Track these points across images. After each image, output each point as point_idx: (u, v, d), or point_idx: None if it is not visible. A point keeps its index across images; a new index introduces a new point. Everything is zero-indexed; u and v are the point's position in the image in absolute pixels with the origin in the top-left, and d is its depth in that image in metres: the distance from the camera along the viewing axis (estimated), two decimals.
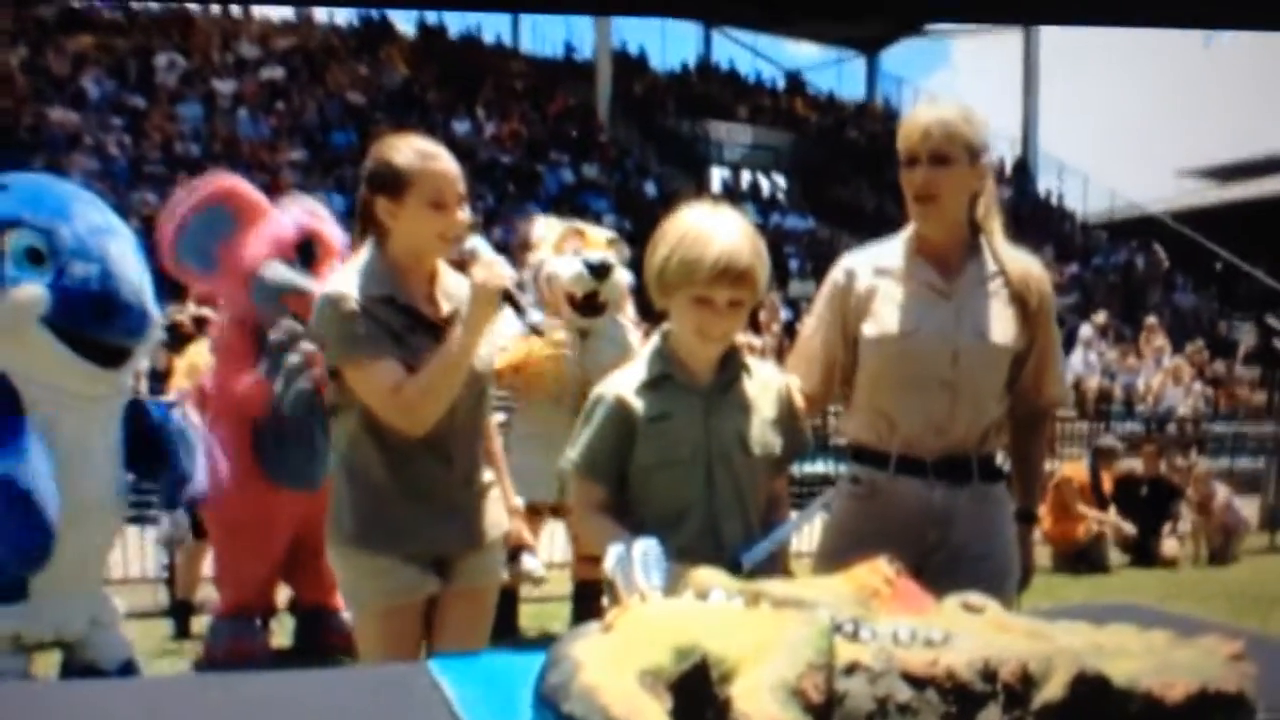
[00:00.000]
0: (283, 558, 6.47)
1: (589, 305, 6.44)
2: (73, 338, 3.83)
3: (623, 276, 6.55)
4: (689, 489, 2.92)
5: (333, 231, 6.35)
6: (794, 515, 3.22)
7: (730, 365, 3.01)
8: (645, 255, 2.95)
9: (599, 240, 6.71)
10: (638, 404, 2.91)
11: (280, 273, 5.98)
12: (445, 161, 3.35)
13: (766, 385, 3.09)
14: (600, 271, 6.40)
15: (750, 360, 3.11)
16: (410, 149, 3.34)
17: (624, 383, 2.97)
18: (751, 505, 3.02)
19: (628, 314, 6.87)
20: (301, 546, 6.33)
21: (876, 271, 3.49)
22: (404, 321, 3.30)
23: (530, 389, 6.33)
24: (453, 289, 3.48)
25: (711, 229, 2.82)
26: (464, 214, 3.36)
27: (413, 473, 3.37)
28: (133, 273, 4.00)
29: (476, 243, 3.33)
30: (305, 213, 6.39)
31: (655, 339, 3.06)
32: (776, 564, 3.02)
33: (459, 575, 3.53)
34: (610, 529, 2.82)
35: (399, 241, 3.37)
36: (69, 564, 3.92)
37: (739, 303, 2.85)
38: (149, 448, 4.34)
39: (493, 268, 3.22)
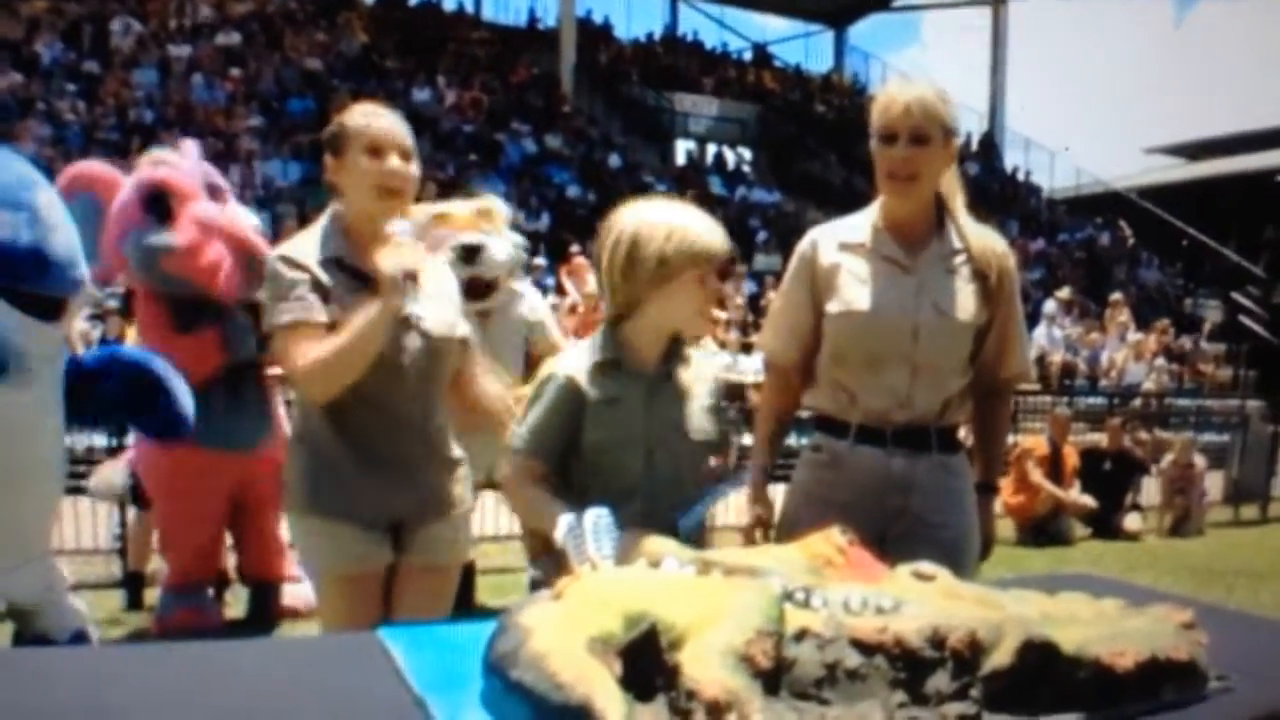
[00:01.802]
0: (222, 524, 6.50)
1: (473, 290, 6.17)
2: (5, 291, 3.77)
3: (500, 248, 6.36)
4: (631, 471, 3.02)
5: (181, 175, 6.14)
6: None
7: (674, 353, 3.14)
8: (609, 255, 3.05)
9: (463, 217, 6.48)
10: (588, 386, 3.01)
11: (135, 240, 5.89)
12: (386, 118, 3.37)
13: (702, 373, 3.22)
14: (468, 255, 6.22)
15: (688, 349, 3.22)
16: (357, 110, 3.39)
17: (575, 364, 3.06)
18: (688, 488, 3.12)
19: (521, 281, 6.76)
20: (242, 512, 6.35)
21: (841, 246, 3.52)
22: (351, 282, 3.29)
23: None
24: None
25: (692, 217, 3.04)
26: (406, 167, 3.35)
27: (361, 437, 3.37)
28: (61, 223, 3.95)
29: (398, 226, 3.30)
30: (147, 168, 6.19)
31: (605, 327, 3.14)
32: (701, 536, 3.09)
33: (417, 547, 3.53)
34: (547, 499, 2.92)
35: (347, 200, 3.38)
36: (15, 529, 3.88)
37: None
38: (90, 396, 4.29)
39: (400, 250, 3.22)
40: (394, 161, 3.31)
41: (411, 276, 3.16)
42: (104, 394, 4.35)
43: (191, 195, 6.03)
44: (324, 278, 3.25)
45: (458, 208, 6.56)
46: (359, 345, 3.18)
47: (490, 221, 6.45)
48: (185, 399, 4.49)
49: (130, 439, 7.25)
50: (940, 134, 3.31)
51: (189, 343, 5.90)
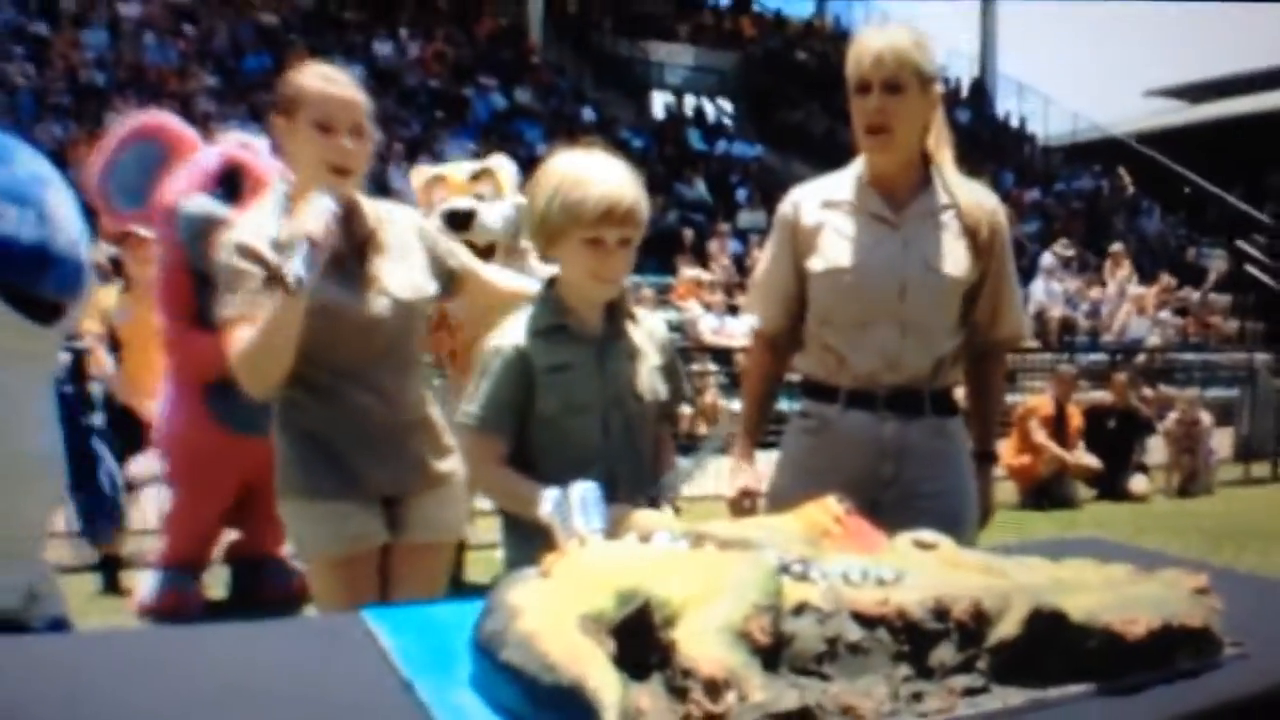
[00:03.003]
0: (232, 506, 6.56)
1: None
2: (3, 289, 3.75)
3: (493, 212, 6.36)
4: (587, 438, 3.00)
5: (263, 163, 6.26)
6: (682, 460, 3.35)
7: (618, 313, 3.11)
8: (527, 205, 3.04)
9: (458, 181, 6.54)
10: (535, 354, 2.98)
11: (200, 204, 5.94)
12: (343, 87, 3.34)
13: (651, 333, 3.21)
14: (457, 220, 6.24)
15: (634, 308, 3.20)
16: (313, 71, 3.36)
17: (518, 333, 3.02)
18: (644, 451, 3.13)
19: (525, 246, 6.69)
20: (252, 494, 6.39)
21: (824, 204, 3.53)
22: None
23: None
24: (371, 214, 3.48)
25: (588, 169, 2.91)
26: (358, 146, 3.33)
27: (341, 410, 3.39)
28: (70, 224, 3.92)
29: (318, 197, 3.21)
30: (234, 144, 6.36)
31: (543, 289, 3.13)
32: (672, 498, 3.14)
33: (412, 526, 3.55)
34: (522, 482, 2.90)
35: (294, 170, 3.39)
36: (13, 528, 3.87)
37: (627, 241, 2.94)
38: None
39: (296, 219, 3.18)
40: (344, 140, 3.29)
41: (312, 242, 3.09)
42: None
43: (264, 185, 6.06)
44: (275, 261, 3.22)
45: (456, 170, 6.63)
46: (273, 332, 3.16)
47: (492, 183, 6.47)
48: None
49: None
50: (916, 81, 3.30)
51: (208, 338, 5.95)
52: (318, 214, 3.12)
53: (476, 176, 6.54)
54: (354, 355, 3.36)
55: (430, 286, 3.53)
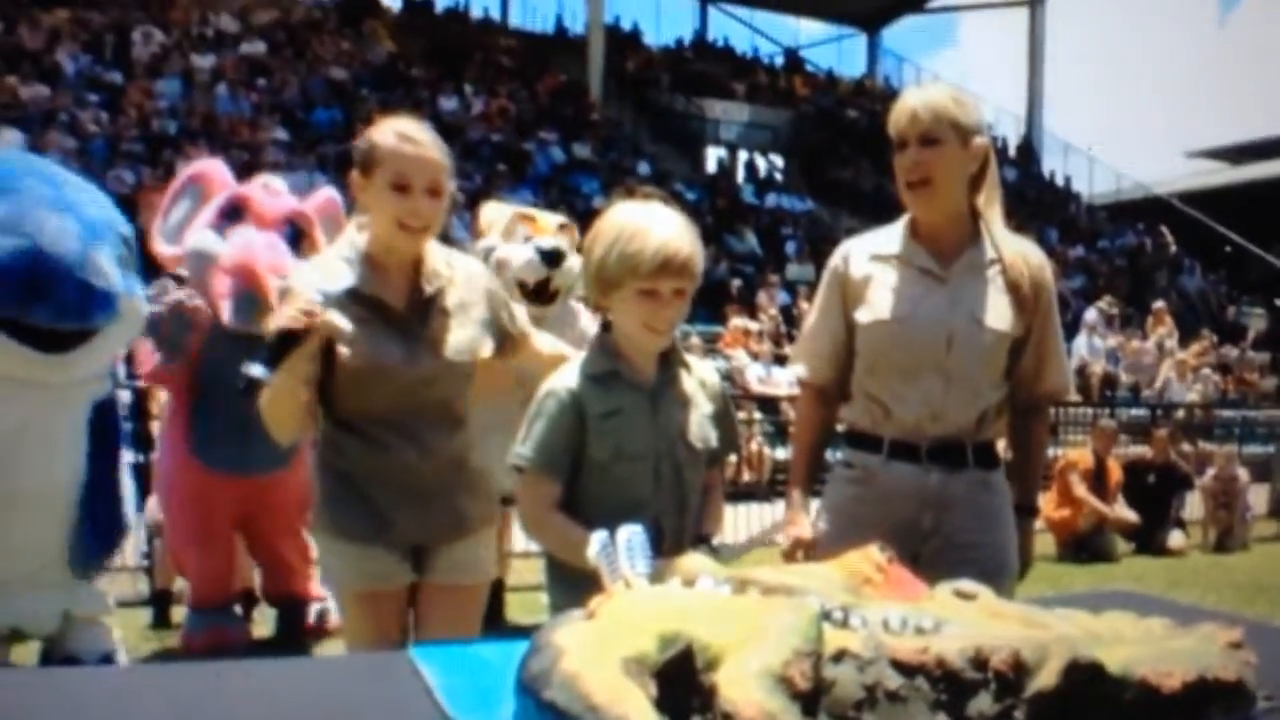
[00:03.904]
0: (231, 545, 6.55)
1: (541, 293, 6.41)
2: (10, 324, 3.71)
3: (575, 263, 6.38)
4: (638, 485, 3.00)
5: (274, 202, 6.33)
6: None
7: (672, 361, 3.10)
8: (584, 255, 3.04)
9: (549, 225, 6.68)
10: (588, 400, 2.97)
11: (198, 240, 5.99)
12: (421, 147, 3.34)
13: (704, 381, 3.19)
14: (553, 258, 6.36)
15: (688, 356, 3.20)
16: (392, 128, 3.35)
17: (572, 378, 3.02)
18: (691, 499, 3.12)
19: (577, 301, 6.77)
20: (255, 535, 6.42)
21: (873, 257, 3.52)
22: (364, 312, 3.30)
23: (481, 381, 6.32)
24: (439, 271, 3.48)
25: (648, 222, 2.90)
26: (432, 205, 3.34)
27: (380, 458, 3.39)
28: (73, 250, 3.84)
29: (304, 295, 3.21)
30: (255, 185, 6.46)
31: (598, 336, 3.13)
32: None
33: (439, 569, 3.55)
34: (574, 528, 2.87)
35: (370, 224, 3.40)
36: (23, 556, 3.86)
37: (682, 292, 2.93)
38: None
39: (285, 305, 3.21)
40: (421, 201, 3.31)
41: (290, 335, 3.12)
42: None
43: (266, 219, 6.18)
44: (340, 307, 3.24)
45: (543, 214, 6.84)
46: (273, 406, 3.25)
47: (571, 236, 6.62)
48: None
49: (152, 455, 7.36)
50: (954, 135, 3.31)
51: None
52: (287, 309, 3.15)
53: (563, 226, 6.74)
54: (401, 410, 3.38)
55: (487, 346, 3.54)
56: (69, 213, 3.92)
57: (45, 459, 3.96)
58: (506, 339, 3.63)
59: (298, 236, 6.16)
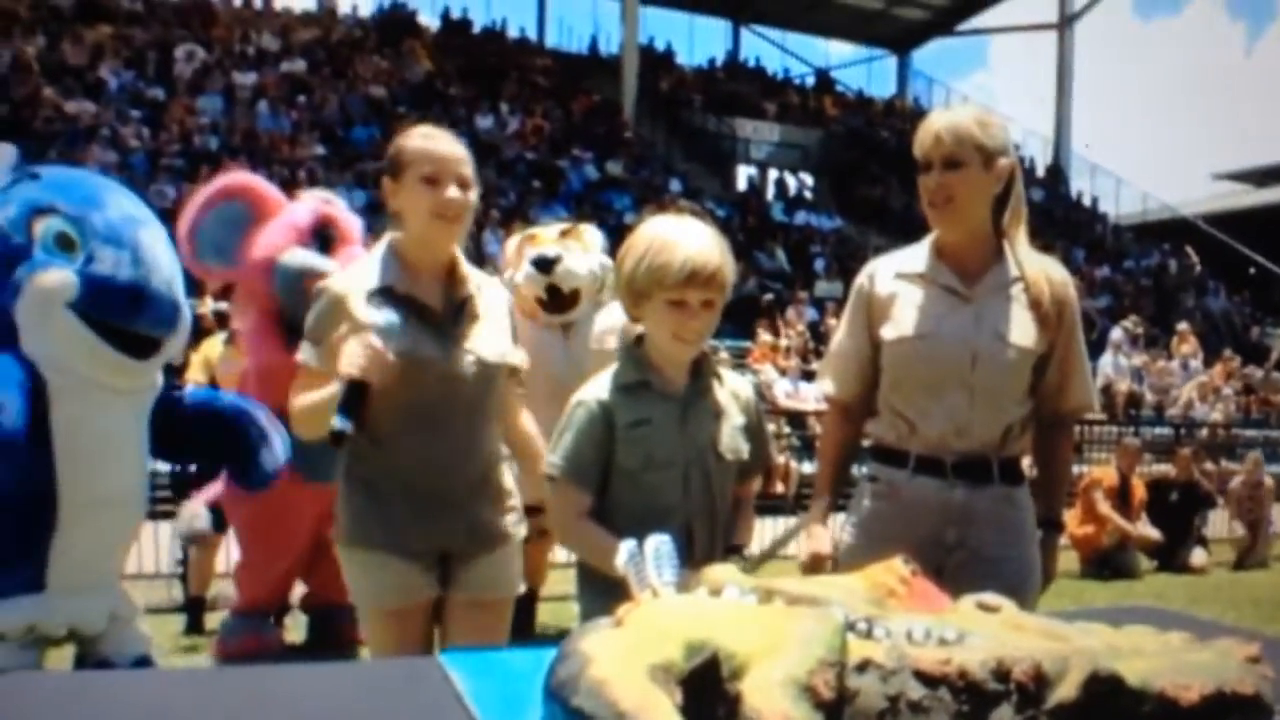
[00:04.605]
0: (302, 554, 6.52)
1: (554, 300, 6.49)
2: (101, 326, 3.80)
3: (579, 261, 6.53)
4: (667, 493, 3.02)
5: (347, 217, 6.38)
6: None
7: (703, 372, 3.12)
8: (617, 268, 3.06)
9: (549, 236, 6.73)
10: (617, 409, 3.00)
11: (300, 257, 6.00)
12: (443, 141, 3.41)
13: (736, 393, 3.21)
14: (545, 264, 6.43)
15: (720, 369, 3.22)
16: (415, 132, 3.44)
17: (603, 389, 3.05)
18: (721, 509, 3.13)
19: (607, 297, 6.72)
20: (321, 541, 6.40)
21: (898, 275, 3.53)
22: (401, 311, 3.32)
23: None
24: (470, 278, 3.52)
25: (677, 234, 2.94)
26: (463, 195, 3.38)
27: (410, 468, 3.40)
28: (164, 263, 3.97)
29: (363, 345, 3.20)
30: (319, 200, 6.43)
31: (629, 348, 3.14)
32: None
33: (465, 583, 3.54)
34: (604, 536, 2.90)
35: (404, 225, 3.43)
36: (88, 558, 3.91)
37: (711, 303, 2.96)
38: (184, 438, 4.35)
39: (347, 355, 3.20)
40: (451, 190, 3.34)
41: (356, 386, 3.16)
42: (198, 436, 4.41)
43: (350, 239, 6.26)
44: (361, 314, 3.27)
45: (546, 230, 6.86)
46: (305, 415, 3.34)
47: (577, 239, 6.66)
48: (279, 453, 4.53)
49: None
50: (977, 157, 3.31)
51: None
52: (356, 356, 3.16)
53: (565, 233, 6.76)
54: (435, 416, 3.38)
55: (513, 355, 3.55)
56: (152, 225, 4.05)
57: (125, 463, 4.03)
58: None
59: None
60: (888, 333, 3.46)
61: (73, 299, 3.73)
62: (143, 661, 4.27)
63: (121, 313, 3.84)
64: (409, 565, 3.43)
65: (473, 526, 3.51)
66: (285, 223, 6.12)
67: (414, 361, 3.27)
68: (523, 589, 6.03)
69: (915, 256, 3.55)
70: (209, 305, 11.38)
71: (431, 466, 3.40)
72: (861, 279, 3.62)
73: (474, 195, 3.42)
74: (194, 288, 8.60)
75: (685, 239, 2.91)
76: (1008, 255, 3.45)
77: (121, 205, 3.97)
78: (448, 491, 3.44)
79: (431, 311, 3.39)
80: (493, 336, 3.49)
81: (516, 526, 3.65)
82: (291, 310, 5.99)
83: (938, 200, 3.36)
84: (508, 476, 3.66)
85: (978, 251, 3.45)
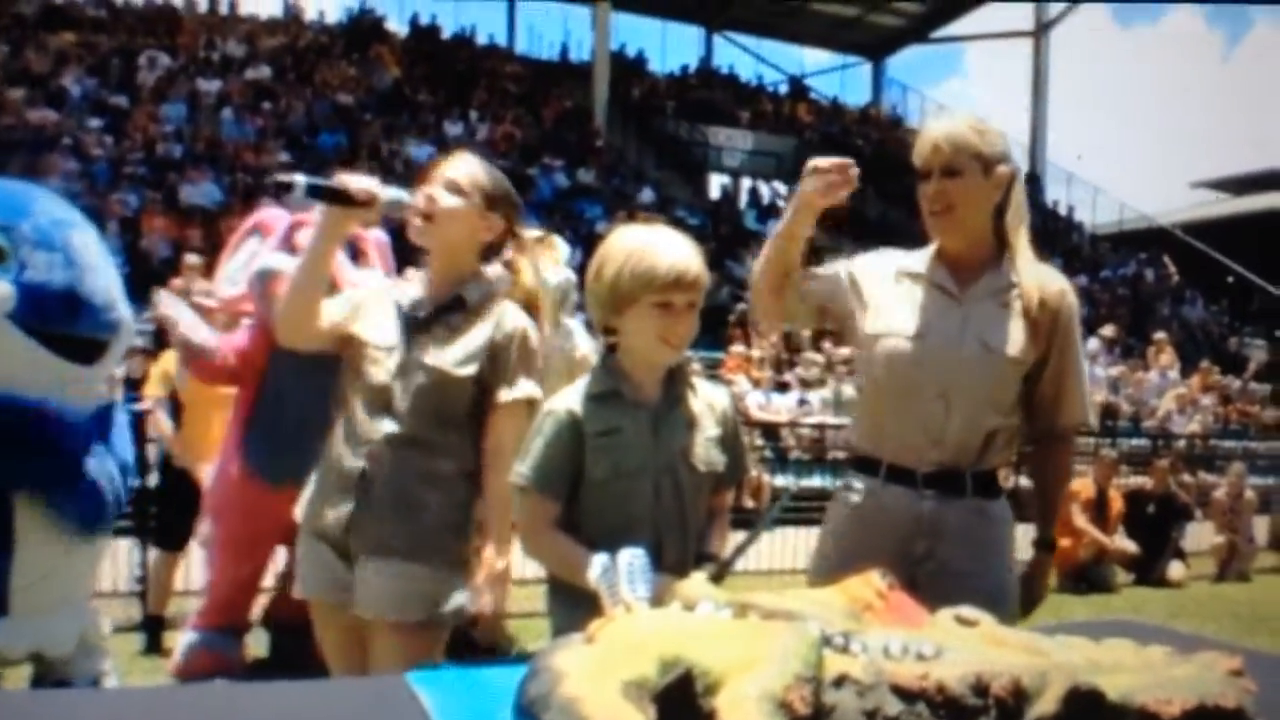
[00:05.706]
0: (267, 563, 6.48)
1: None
2: (43, 335, 3.76)
3: (551, 274, 6.28)
4: (637, 503, 3.00)
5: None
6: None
7: (676, 382, 3.12)
8: (588, 280, 3.07)
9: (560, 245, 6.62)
10: (587, 419, 3.00)
11: (270, 260, 6.01)
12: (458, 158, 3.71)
13: (712, 403, 3.19)
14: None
15: (694, 379, 3.22)
16: None
17: (572, 398, 3.05)
18: (692, 521, 3.10)
19: (567, 317, 6.62)
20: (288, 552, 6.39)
21: (899, 270, 3.56)
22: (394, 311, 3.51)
23: None
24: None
25: (657, 239, 2.99)
26: (437, 195, 3.57)
27: (350, 452, 3.49)
28: (98, 264, 3.94)
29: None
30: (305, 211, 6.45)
31: (602, 357, 3.17)
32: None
33: (361, 596, 3.49)
34: (571, 547, 2.91)
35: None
36: (51, 580, 3.88)
37: (693, 305, 2.98)
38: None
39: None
40: (429, 187, 3.53)
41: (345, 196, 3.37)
42: None
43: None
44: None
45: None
46: (294, 290, 3.46)
47: (550, 250, 6.51)
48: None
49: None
50: (975, 164, 3.34)
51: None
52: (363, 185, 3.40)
53: (539, 241, 6.60)
54: (377, 412, 3.47)
55: (469, 367, 3.50)
56: (82, 227, 4.02)
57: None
58: (489, 388, 3.55)
59: None
60: (873, 325, 3.49)
61: (11, 310, 3.69)
62: (98, 682, 4.23)
63: (60, 318, 3.80)
64: (334, 556, 3.53)
65: (399, 530, 3.48)
66: (273, 236, 6.14)
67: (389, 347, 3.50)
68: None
69: (916, 259, 3.58)
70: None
71: (387, 454, 3.48)
72: (870, 254, 3.69)
73: (455, 199, 3.61)
74: (137, 296, 8.55)
75: (665, 244, 2.96)
76: (1005, 262, 3.47)
77: (49, 209, 3.93)
78: (360, 488, 3.50)
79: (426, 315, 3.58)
80: (462, 347, 3.53)
81: (420, 550, 3.49)
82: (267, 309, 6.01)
83: (938, 209, 3.39)
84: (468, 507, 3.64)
85: (975, 256, 3.48)
